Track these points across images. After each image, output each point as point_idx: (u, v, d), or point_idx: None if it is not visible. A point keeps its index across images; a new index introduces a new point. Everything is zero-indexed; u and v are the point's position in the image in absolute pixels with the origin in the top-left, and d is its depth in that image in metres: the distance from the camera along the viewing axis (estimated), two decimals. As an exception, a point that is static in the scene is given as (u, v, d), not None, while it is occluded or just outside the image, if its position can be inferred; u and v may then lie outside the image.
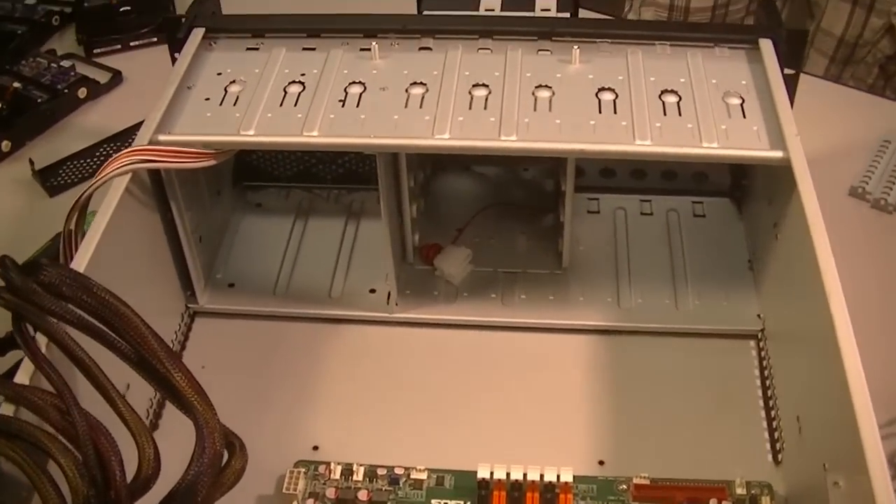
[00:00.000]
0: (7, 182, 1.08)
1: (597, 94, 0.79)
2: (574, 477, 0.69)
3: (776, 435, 0.75)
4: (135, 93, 1.21)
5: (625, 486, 0.72)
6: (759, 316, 0.84)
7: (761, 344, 0.83)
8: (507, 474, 0.69)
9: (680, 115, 0.77)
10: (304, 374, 0.83)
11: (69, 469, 0.55)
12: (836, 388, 0.59)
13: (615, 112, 0.77)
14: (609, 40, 0.85)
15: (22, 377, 0.61)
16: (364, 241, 0.95)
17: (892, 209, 0.97)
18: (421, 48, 0.86)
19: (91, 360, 0.59)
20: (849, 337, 0.60)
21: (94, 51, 1.28)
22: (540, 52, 0.84)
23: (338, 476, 0.73)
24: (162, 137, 0.77)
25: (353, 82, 0.82)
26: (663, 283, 0.88)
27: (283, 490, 0.72)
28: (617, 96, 0.79)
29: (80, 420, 0.56)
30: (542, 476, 0.69)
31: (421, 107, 0.78)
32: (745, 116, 0.76)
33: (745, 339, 0.84)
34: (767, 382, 0.79)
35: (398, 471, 0.73)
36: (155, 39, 1.28)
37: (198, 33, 0.88)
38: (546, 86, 0.80)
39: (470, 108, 0.78)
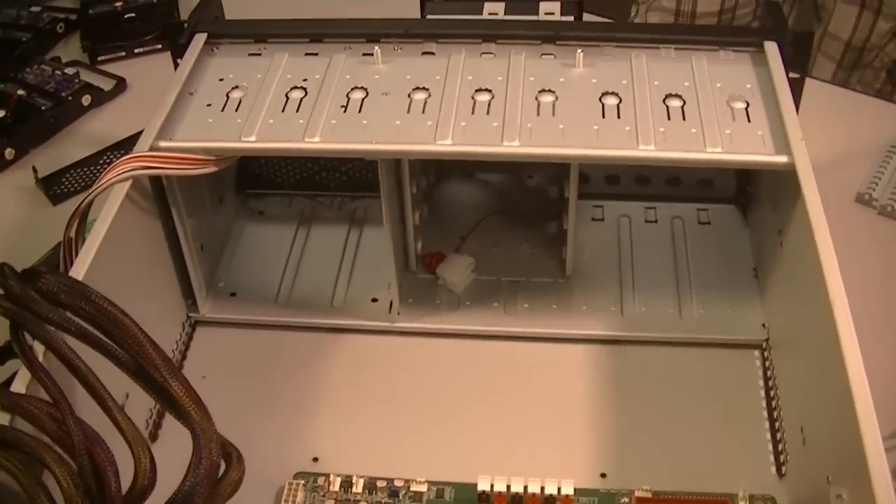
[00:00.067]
0: (10, 190, 1.07)
1: (600, 99, 0.78)
2: (575, 489, 0.68)
3: (780, 447, 0.74)
4: (139, 100, 1.20)
5: (626, 500, 0.71)
6: (763, 325, 0.83)
7: (766, 354, 0.82)
8: (508, 487, 0.69)
9: (684, 119, 0.76)
10: (304, 383, 0.83)
11: (64, 479, 0.54)
12: (839, 399, 0.58)
13: (619, 117, 0.76)
14: (613, 44, 0.84)
15: (18, 386, 0.60)
16: (367, 249, 0.94)
17: (900, 216, 0.96)
18: (424, 53, 0.85)
19: (88, 369, 0.59)
20: (853, 346, 0.59)
21: (99, 58, 1.28)
22: (543, 56, 0.84)
23: (337, 488, 0.72)
24: (163, 144, 0.77)
25: (356, 87, 0.81)
26: (667, 292, 0.88)
27: (282, 502, 0.71)
28: (621, 101, 0.78)
29: (75, 429, 0.55)
30: (542, 489, 0.68)
31: (423, 112, 0.78)
32: (749, 121, 0.76)
33: (750, 348, 0.83)
34: (772, 393, 0.78)
35: (398, 483, 0.73)
36: (159, 46, 1.28)
37: (200, 39, 0.88)
38: (549, 90, 0.79)
39: (473, 113, 0.78)
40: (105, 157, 1.09)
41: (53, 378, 0.58)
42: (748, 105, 0.77)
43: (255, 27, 0.90)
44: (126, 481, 0.56)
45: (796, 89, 0.80)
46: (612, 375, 0.82)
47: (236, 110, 0.80)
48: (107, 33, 1.30)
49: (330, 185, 1.00)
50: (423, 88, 0.80)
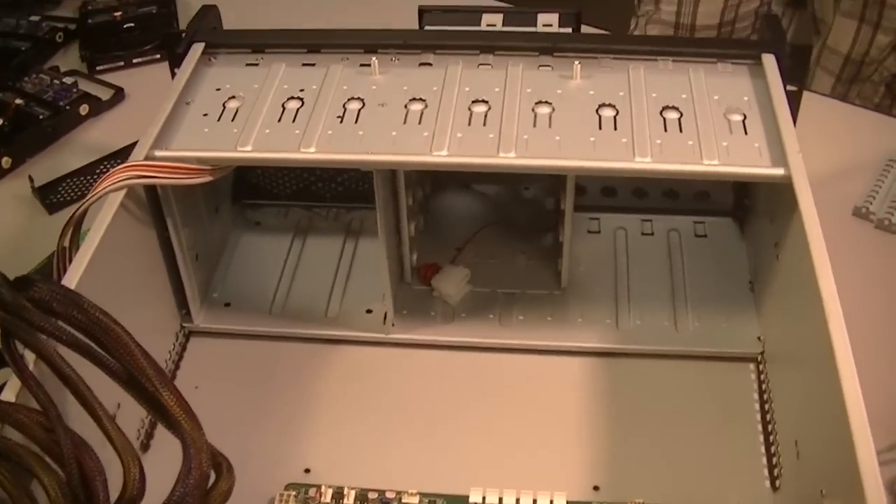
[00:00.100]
0: (7, 198, 1.07)
1: (597, 111, 0.78)
2: (567, 502, 0.68)
3: (774, 460, 0.74)
4: (137, 110, 1.20)
5: (620, 512, 0.71)
6: (759, 338, 0.83)
7: (761, 367, 0.82)
8: (500, 499, 0.69)
9: (681, 131, 0.76)
10: (297, 395, 0.82)
11: (51, 488, 0.54)
12: (834, 413, 0.58)
13: (615, 128, 0.76)
14: (611, 56, 0.84)
15: (8, 395, 0.60)
16: (362, 260, 0.94)
17: (897, 230, 0.96)
18: (421, 63, 0.85)
19: (79, 378, 0.58)
20: (847, 360, 0.59)
21: (97, 67, 1.28)
22: (541, 68, 0.84)
23: (328, 499, 0.72)
24: (158, 153, 0.77)
25: (352, 98, 0.81)
26: (663, 305, 0.87)
27: (274, 512, 0.71)
28: (617, 112, 0.78)
29: (64, 438, 0.55)
30: (535, 501, 0.68)
31: (420, 123, 0.78)
32: (746, 133, 0.75)
33: (745, 361, 0.83)
34: (766, 406, 0.78)
35: (389, 494, 0.72)
36: (158, 56, 1.27)
37: (197, 48, 0.88)
38: (546, 102, 0.79)
39: (469, 124, 0.77)
40: (102, 167, 1.08)
41: (43, 387, 0.58)
42: (745, 117, 0.77)
43: (252, 37, 0.89)
44: (116, 491, 0.56)
45: (794, 102, 0.80)
46: (607, 388, 0.82)
47: (232, 120, 0.80)
48: (105, 43, 1.30)
49: (326, 195, 0.99)
50: (420, 99, 0.80)
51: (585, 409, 0.80)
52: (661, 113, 0.78)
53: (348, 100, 0.81)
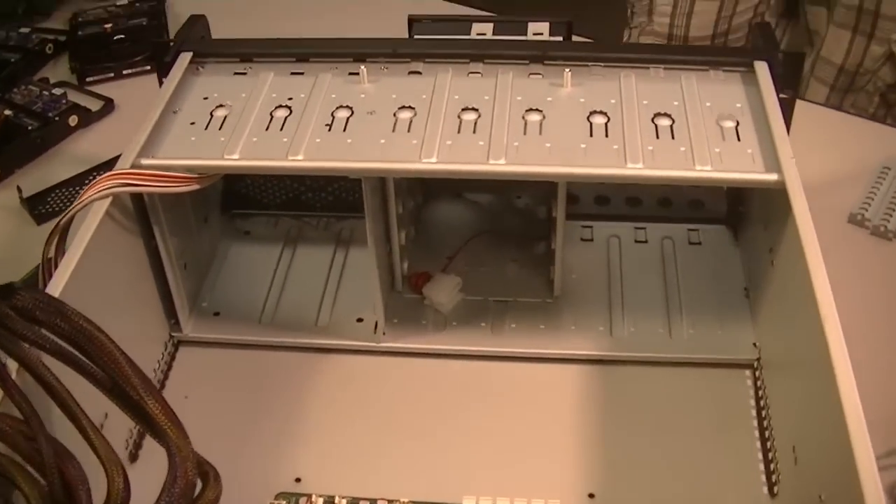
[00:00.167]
0: (-5, 209, 1.07)
1: (588, 118, 0.78)
2: (562, 510, 0.67)
3: (772, 466, 0.73)
4: (126, 121, 1.20)
5: (615, 520, 0.70)
6: (754, 345, 0.82)
7: (757, 373, 0.81)
8: (493, 506, 0.68)
9: (673, 138, 0.75)
10: (288, 404, 0.82)
11: (33, 498, 0.53)
12: (832, 418, 0.57)
13: (606, 135, 0.76)
14: (602, 64, 0.84)
15: (-10, 404, 0.59)
16: (353, 269, 0.93)
17: (892, 236, 0.95)
18: (410, 72, 0.84)
19: (62, 387, 0.58)
20: (845, 365, 0.58)
21: (87, 79, 1.28)
22: (531, 76, 0.83)
23: (319, 508, 0.71)
24: (145, 161, 0.76)
25: (341, 106, 0.80)
26: (657, 312, 0.87)
27: (264, 522, 0.70)
28: (609, 119, 0.77)
29: (46, 448, 0.54)
30: (528, 509, 0.67)
31: (409, 131, 0.77)
32: (739, 139, 0.75)
33: (741, 368, 0.82)
34: (763, 413, 0.77)
35: (381, 503, 0.71)
36: (148, 68, 1.26)
37: (185, 58, 0.87)
38: (537, 109, 0.79)
39: (459, 131, 0.77)
40: (90, 178, 1.07)
41: (26, 396, 0.57)
42: (738, 124, 0.77)
43: (240, 46, 0.89)
44: (99, 501, 0.55)
45: (787, 109, 0.79)
46: (601, 395, 0.81)
47: (220, 128, 0.79)
48: (95, 54, 1.30)
49: (316, 205, 0.99)
50: (409, 107, 0.80)
51: (579, 416, 0.79)
52: (652, 120, 0.77)
53: (337, 108, 0.80)
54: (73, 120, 1.18)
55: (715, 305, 0.87)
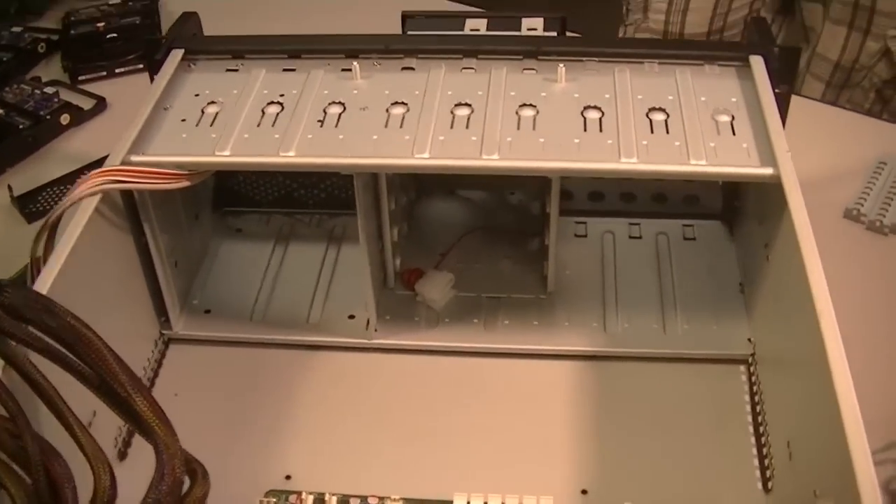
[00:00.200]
0: (-14, 208, 1.06)
1: (582, 113, 0.77)
2: (555, 506, 0.67)
3: (766, 462, 0.73)
4: (118, 119, 1.19)
5: (609, 516, 0.70)
6: (749, 340, 0.82)
7: (752, 369, 0.80)
8: (485, 503, 0.67)
9: (667, 132, 0.75)
10: (279, 401, 0.81)
11: (18, 497, 0.52)
12: (827, 413, 0.57)
13: (601, 130, 0.75)
14: (596, 59, 0.83)
15: (-25, 401, 0.58)
16: (345, 266, 0.93)
17: (888, 231, 0.95)
18: (403, 68, 0.84)
19: (49, 384, 0.57)
20: (841, 360, 0.58)
21: (80, 77, 1.27)
22: (525, 72, 0.83)
23: (310, 505, 0.71)
24: (135, 158, 0.76)
25: (333, 102, 0.80)
26: (651, 308, 0.86)
27: (254, 520, 0.70)
28: (603, 114, 0.77)
29: (32, 445, 0.54)
30: (521, 504, 0.67)
31: (401, 126, 0.77)
32: (734, 134, 0.75)
33: (736, 363, 0.82)
34: (758, 408, 0.77)
35: (372, 500, 0.71)
36: (141, 66, 1.26)
37: (176, 54, 0.87)
38: (530, 104, 0.78)
39: (451, 127, 0.76)
40: (82, 176, 1.07)
41: (12, 394, 0.57)
42: (733, 118, 0.76)
43: (232, 43, 0.89)
44: (86, 499, 0.54)
45: (782, 104, 0.79)
46: (595, 391, 0.81)
47: (211, 125, 0.79)
48: (88, 53, 1.30)
49: (308, 202, 0.98)
50: (402, 103, 0.79)
51: (573, 412, 0.79)
52: (647, 115, 0.77)
53: (329, 104, 0.80)
54: (64, 119, 1.17)
55: (710, 301, 0.86)
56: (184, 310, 0.88)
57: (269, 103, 0.81)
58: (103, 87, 1.25)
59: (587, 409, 0.79)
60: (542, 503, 0.67)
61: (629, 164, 0.72)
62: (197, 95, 0.83)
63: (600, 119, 0.76)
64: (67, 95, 1.22)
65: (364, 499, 0.71)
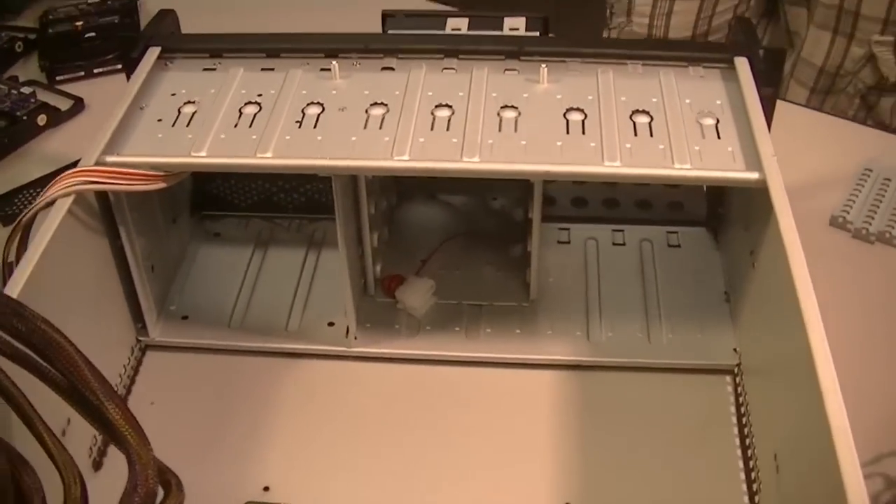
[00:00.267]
0: (-40, 210, 1.04)
1: (565, 115, 0.76)
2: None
3: (753, 474, 0.72)
4: (96, 120, 1.15)
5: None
6: (735, 350, 0.81)
7: (738, 379, 0.80)
8: (467, 515, 0.66)
9: (651, 135, 0.74)
10: (257, 410, 0.80)
11: (-17, 507, 0.51)
12: (815, 425, 0.56)
13: (583, 133, 0.74)
14: (579, 60, 0.83)
15: (-58, 408, 0.57)
16: (324, 272, 0.91)
17: (874, 239, 0.94)
18: (383, 68, 0.83)
19: (17, 391, 0.56)
20: (829, 370, 0.57)
21: (58, 77, 1.25)
22: (507, 72, 0.82)
23: (288, 517, 0.70)
24: (109, 158, 0.74)
25: (312, 103, 0.79)
26: (635, 316, 0.85)
27: (230, 532, 0.69)
28: (586, 117, 0.76)
29: (-1, 454, 0.52)
30: (502, 517, 0.66)
31: (381, 128, 0.76)
32: (719, 137, 0.74)
33: (721, 373, 0.81)
34: (744, 419, 0.76)
35: (351, 512, 0.70)
36: (119, 66, 1.24)
37: (153, 53, 0.85)
38: (512, 106, 0.77)
39: (432, 129, 0.75)
40: (58, 178, 1.06)
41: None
42: (718, 121, 0.75)
43: (210, 42, 0.87)
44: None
45: (768, 106, 0.78)
46: (578, 401, 0.80)
47: (188, 125, 0.78)
48: (66, 53, 1.28)
49: (288, 206, 0.97)
50: (382, 104, 0.78)
51: (556, 423, 0.78)
52: (630, 117, 0.76)
53: (307, 104, 0.79)
54: (41, 119, 1.16)
55: (695, 309, 0.85)
56: (161, 316, 0.87)
57: (246, 103, 0.79)
58: (81, 88, 1.23)
59: (571, 420, 0.78)
60: (525, 515, 0.66)
61: (612, 167, 0.71)
62: (173, 95, 0.81)
63: (583, 121, 0.76)
64: (45, 96, 1.20)
65: (343, 510, 0.70)
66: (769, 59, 0.80)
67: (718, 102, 0.77)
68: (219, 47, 0.86)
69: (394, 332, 0.85)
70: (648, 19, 1.52)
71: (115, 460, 0.72)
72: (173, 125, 0.78)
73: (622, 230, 0.94)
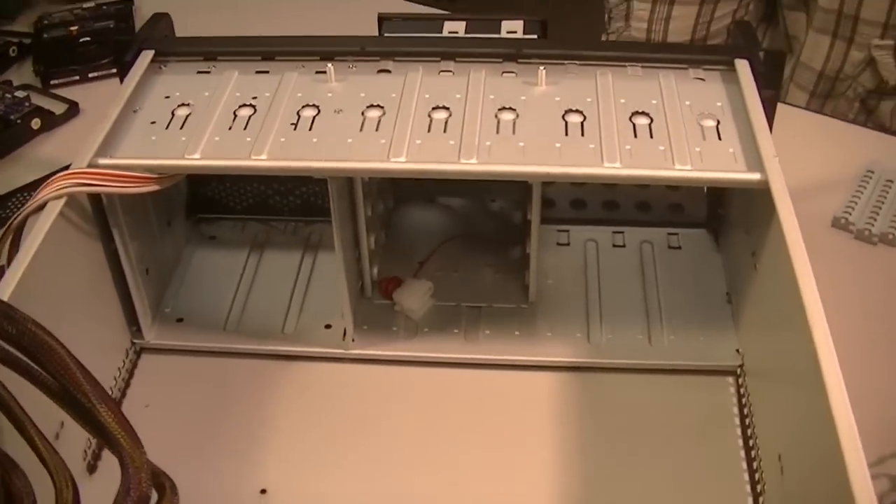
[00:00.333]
0: (-47, 214, 1.04)
1: (563, 117, 0.76)
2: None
3: (756, 476, 0.71)
4: (91, 124, 1.15)
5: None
6: (737, 351, 0.81)
7: (740, 380, 0.79)
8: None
9: (651, 137, 0.73)
10: (253, 413, 0.80)
11: (-27, 512, 0.50)
12: (821, 426, 0.55)
13: (582, 134, 0.74)
14: (577, 62, 0.82)
15: (-69, 412, 0.56)
16: (321, 274, 0.91)
17: (876, 240, 0.93)
18: (380, 71, 0.82)
19: (8, 394, 0.55)
20: (834, 371, 0.56)
21: (52, 82, 1.25)
22: (505, 75, 0.81)
23: (285, 521, 0.69)
24: (102, 161, 0.74)
25: (307, 105, 0.78)
26: (636, 318, 0.85)
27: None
28: (585, 118, 0.75)
29: (-12, 458, 0.52)
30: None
31: (377, 130, 0.75)
32: (720, 138, 0.73)
33: (723, 375, 0.80)
34: (747, 421, 0.76)
35: (348, 515, 0.69)
36: (114, 70, 1.23)
37: (147, 56, 0.85)
38: (510, 108, 0.77)
39: (429, 130, 0.75)
40: (52, 182, 1.05)
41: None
42: (719, 123, 0.75)
43: (204, 45, 0.87)
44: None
45: (769, 108, 0.77)
46: (578, 404, 0.79)
47: (181, 128, 0.77)
48: (60, 57, 1.27)
49: (284, 209, 0.97)
50: (378, 106, 0.78)
51: (556, 425, 0.77)
52: (630, 119, 0.75)
53: (303, 107, 0.78)
54: (35, 123, 1.15)
55: (696, 311, 0.85)
56: (156, 319, 0.86)
57: (241, 106, 0.79)
58: (76, 92, 1.23)
59: (571, 422, 0.78)
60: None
61: (612, 168, 0.71)
62: (167, 97, 0.81)
63: (582, 123, 0.75)
64: (39, 100, 1.19)
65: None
66: (770, 61, 0.80)
67: (719, 104, 0.77)
68: (213, 50, 0.86)
69: (391, 334, 0.85)
70: (647, 24, 1.51)
71: (110, 464, 0.71)
72: (167, 128, 0.77)
73: (622, 232, 0.94)
